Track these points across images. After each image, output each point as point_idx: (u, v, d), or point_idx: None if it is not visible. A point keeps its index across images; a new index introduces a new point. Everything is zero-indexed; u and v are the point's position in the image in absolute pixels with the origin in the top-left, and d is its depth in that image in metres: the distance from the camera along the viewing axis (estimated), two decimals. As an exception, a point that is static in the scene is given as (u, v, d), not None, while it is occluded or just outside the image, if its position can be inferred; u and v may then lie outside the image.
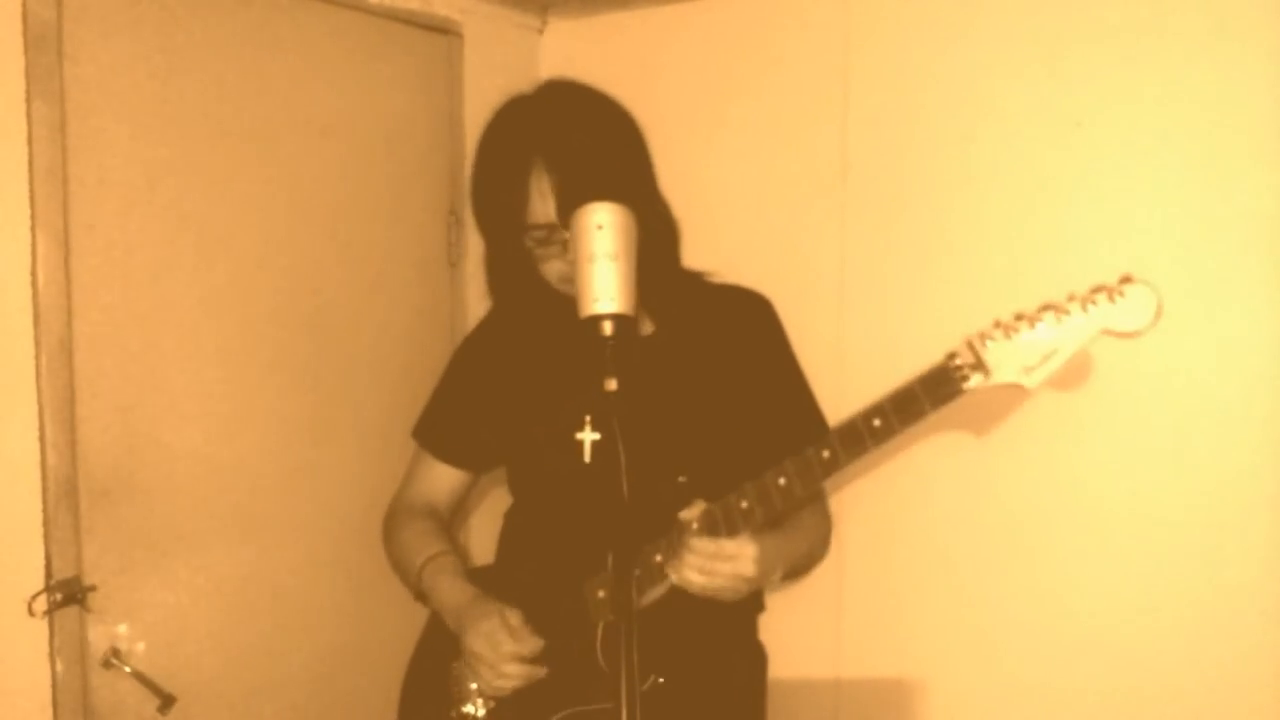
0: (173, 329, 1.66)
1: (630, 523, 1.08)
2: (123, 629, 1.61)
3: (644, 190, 1.48)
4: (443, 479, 1.68)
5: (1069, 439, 1.72)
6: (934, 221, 1.81)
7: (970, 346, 1.25)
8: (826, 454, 1.31)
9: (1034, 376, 1.23)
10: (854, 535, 1.91)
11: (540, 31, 2.21)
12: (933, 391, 1.26)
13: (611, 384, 1.05)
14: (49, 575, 1.49)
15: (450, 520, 1.72)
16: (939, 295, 1.81)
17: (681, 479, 1.49)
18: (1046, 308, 1.22)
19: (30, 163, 1.44)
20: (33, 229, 1.45)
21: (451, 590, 1.52)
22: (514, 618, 1.45)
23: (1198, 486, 1.63)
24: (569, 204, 1.32)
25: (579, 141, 1.40)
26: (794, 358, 1.63)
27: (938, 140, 1.80)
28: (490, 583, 1.55)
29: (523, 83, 1.49)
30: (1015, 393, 1.25)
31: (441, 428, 1.68)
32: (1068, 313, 1.21)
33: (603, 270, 1.06)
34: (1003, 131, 1.74)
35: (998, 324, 1.24)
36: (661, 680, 1.43)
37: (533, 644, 1.44)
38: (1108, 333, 1.20)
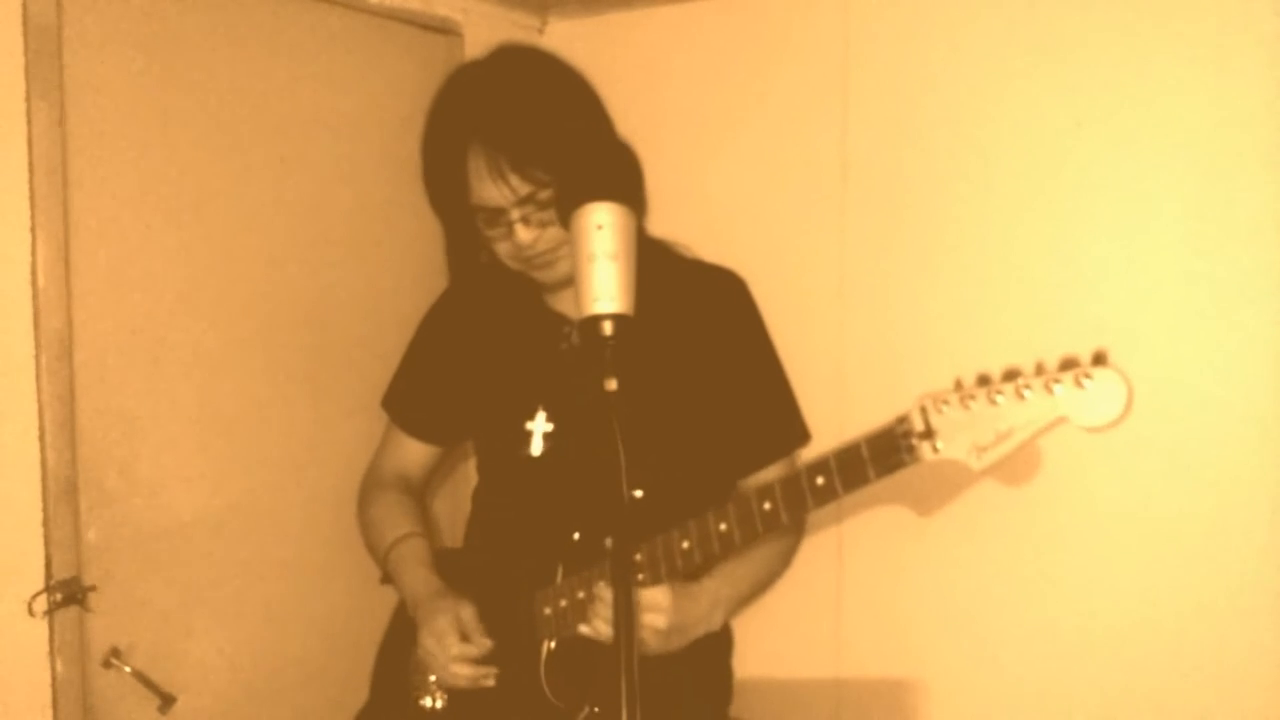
0: (172, 328, 1.66)
1: (629, 524, 1.07)
2: (123, 629, 1.60)
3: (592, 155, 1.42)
4: (412, 450, 1.70)
5: (1069, 439, 1.71)
6: (934, 221, 1.81)
7: (923, 411, 1.15)
8: (768, 506, 1.25)
9: (984, 458, 1.11)
10: (854, 535, 1.91)
11: (540, 31, 2.21)
12: (878, 459, 1.18)
13: (612, 384, 1.05)
14: (49, 575, 1.49)
15: (423, 489, 1.72)
16: (939, 295, 1.81)
17: (637, 493, 1.42)
18: (1010, 378, 1.10)
19: (30, 163, 1.44)
20: (33, 229, 1.45)
21: (414, 580, 1.52)
22: (468, 614, 1.43)
23: (1198, 487, 1.63)
24: (511, 183, 1.34)
25: (514, 118, 1.37)
26: (770, 349, 1.56)
27: (938, 140, 1.80)
28: (453, 568, 1.53)
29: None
30: (962, 472, 1.12)
31: (407, 402, 1.69)
32: (1030, 389, 1.08)
33: (602, 270, 1.06)
34: (1003, 131, 1.74)
35: (957, 386, 1.13)
36: (596, 710, 1.39)
37: (480, 646, 1.42)
38: (1065, 422, 1.08)
